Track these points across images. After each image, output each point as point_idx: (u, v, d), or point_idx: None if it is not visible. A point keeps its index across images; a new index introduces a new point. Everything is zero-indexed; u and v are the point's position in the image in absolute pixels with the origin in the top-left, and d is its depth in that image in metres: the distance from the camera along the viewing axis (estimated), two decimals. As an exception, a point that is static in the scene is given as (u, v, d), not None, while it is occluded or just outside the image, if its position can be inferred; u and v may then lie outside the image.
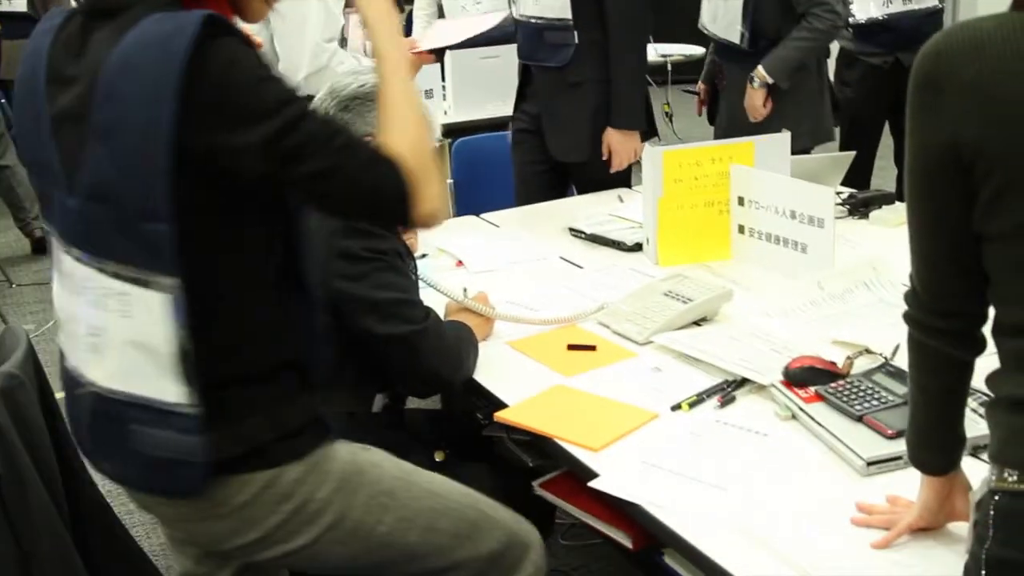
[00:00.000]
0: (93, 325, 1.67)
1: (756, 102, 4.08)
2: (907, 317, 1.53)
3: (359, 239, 2.21)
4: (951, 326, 1.48)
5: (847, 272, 2.68)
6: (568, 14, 3.63)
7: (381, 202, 1.65)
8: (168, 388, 1.63)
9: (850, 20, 4.77)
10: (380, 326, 2.20)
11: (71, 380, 1.78)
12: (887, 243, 2.91)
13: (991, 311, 1.43)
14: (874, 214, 3.29)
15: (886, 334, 2.23)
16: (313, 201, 1.69)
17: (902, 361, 1.80)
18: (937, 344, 1.49)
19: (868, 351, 2.24)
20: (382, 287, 2.21)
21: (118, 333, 1.65)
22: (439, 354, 2.25)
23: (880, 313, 2.49)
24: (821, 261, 2.74)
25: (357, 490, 1.84)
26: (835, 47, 4.61)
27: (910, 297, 1.52)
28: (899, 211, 3.21)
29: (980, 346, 1.49)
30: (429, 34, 4.37)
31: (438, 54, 3.23)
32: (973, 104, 1.31)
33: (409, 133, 1.67)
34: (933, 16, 4.80)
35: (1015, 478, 1.31)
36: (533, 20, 3.73)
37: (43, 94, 1.68)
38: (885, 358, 2.19)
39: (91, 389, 1.71)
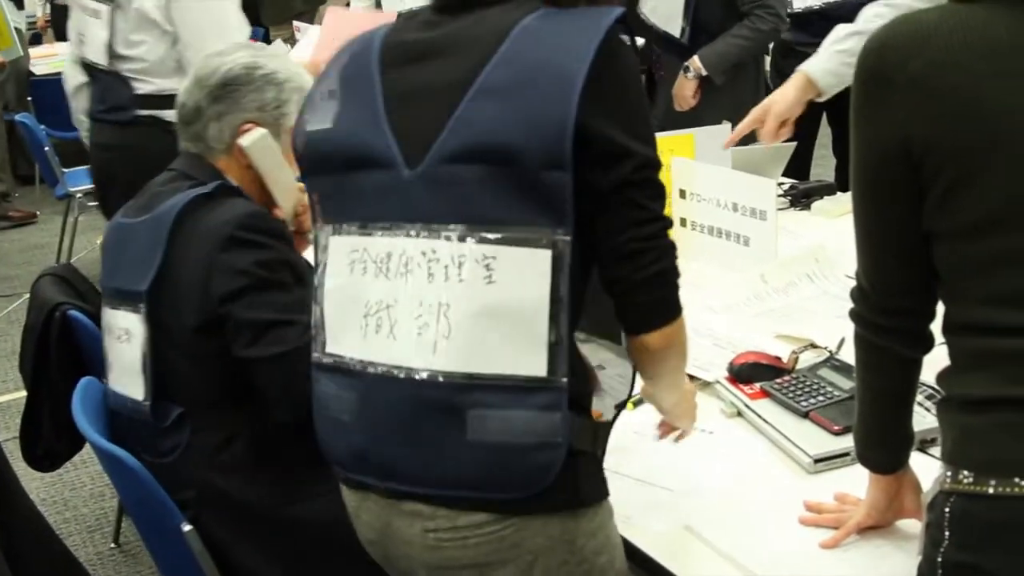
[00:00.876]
0: (429, 304, 1.50)
1: (686, 92, 4.07)
2: (854, 315, 1.51)
3: (244, 251, 2.04)
4: (899, 324, 1.45)
5: (790, 264, 2.67)
6: None
7: (651, 287, 1.58)
8: (533, 361, 1.47)
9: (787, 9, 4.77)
10: (248, 349, 2.03)
11: (363, 379, 1.57)
12: (829, 234, 2.90)
13: (939, 308, 1.41)
14: (816, 205, 3.28)
15: (831, 327, 2.22)
16: (617, 233, 1.52)
17: (847, 355, 1.79)
18: (884, 342, 1.47)
19: (813, 345, 2.23)
20: (256, 307, 2.03)
21: (470, 305, 1.48)
22: None
23: (824, 306, 2.48)
24: (764, 254, 2.73)
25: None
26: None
27: (856, 294, 1.49)
28: (840, 201, 3.20)
29: (928, 344, 1.48)
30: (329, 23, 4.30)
31: None
32: (921, 97, 1.28)
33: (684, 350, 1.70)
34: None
35: (971, 479, 1.28)
36: None
37: (377, 83, 1.58)
38: (830, 352, 2.18)
39: (416, 377, 1.51)
